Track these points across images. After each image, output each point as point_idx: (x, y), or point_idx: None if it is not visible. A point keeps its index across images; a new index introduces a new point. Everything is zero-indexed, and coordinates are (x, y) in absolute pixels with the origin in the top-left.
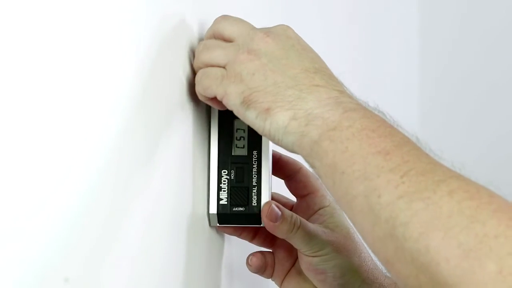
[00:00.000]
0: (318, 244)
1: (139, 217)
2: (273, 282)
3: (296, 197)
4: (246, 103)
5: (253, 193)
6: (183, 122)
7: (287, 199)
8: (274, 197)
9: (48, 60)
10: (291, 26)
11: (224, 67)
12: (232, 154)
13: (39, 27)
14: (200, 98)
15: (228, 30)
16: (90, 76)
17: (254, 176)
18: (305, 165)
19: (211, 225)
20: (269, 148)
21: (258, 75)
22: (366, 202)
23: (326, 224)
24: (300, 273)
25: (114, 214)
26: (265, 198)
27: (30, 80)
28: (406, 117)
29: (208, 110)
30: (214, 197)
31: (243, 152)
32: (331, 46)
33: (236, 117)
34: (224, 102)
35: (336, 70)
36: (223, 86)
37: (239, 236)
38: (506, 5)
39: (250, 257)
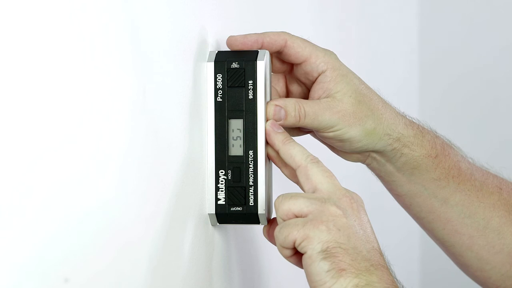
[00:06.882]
0: (327, 123)
1: (140, 217)
2: (275, 280)
3: (295, 73)
4: (326, 253)
5: (250, 193)
6: (181, 123)
7: None
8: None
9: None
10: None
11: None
12: (229, 154)
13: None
14: (281, 252)
15: (319, 184)
16: (91, 78)
17: (251, 176)
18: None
19: (212, 224)
20: (265, 148)
21: (343, 233)
22: None
23: (332, 94)
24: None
25: (115, 215)
26: (262, 197)
27: (35, 81)
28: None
29: (204, 111)
30: (212, 197)
31: (240, 152)
32: (331, 45)
33: (232, 117)
34: (302, 245)
35: None
36: (305, 230)
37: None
38: (506, 4)
39: None
